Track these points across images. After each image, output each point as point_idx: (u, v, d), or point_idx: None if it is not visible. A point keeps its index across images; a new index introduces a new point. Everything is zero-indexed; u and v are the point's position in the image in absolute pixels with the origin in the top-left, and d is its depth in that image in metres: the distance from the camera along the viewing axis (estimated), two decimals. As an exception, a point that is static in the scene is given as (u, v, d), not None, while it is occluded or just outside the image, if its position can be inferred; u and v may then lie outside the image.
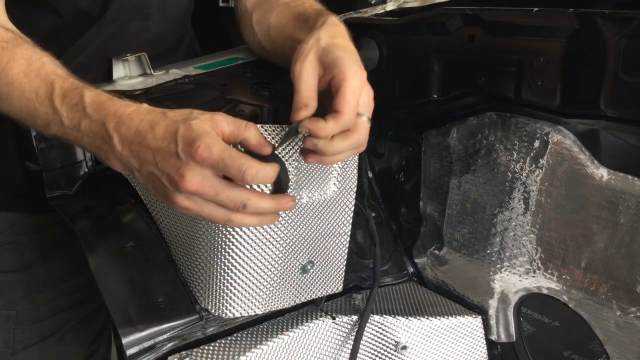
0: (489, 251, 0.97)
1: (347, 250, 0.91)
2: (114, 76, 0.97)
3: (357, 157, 0.86)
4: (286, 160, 0.78)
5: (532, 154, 0.89)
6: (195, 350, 0.84)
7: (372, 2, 1.32)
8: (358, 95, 0.72)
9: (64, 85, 0.73)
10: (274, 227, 0.80)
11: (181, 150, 0.64)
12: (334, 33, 0.78)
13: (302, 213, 0.83)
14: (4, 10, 0.84)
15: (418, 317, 0.98)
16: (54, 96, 0.73)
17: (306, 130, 0.71)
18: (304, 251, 0.85)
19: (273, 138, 0.77)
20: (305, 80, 0.73)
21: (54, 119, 0.73)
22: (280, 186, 0.73)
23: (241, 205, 0.67)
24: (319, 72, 0.74)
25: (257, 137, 0.69)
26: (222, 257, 0.80)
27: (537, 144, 0.88)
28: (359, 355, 0.93)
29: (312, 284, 0.88)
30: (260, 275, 0.82)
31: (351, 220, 0.89)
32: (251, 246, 0.80)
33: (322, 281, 0.89)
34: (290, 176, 0.80)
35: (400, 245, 1.14)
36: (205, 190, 0.65)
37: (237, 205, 0.67)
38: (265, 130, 0.77)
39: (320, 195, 0.84)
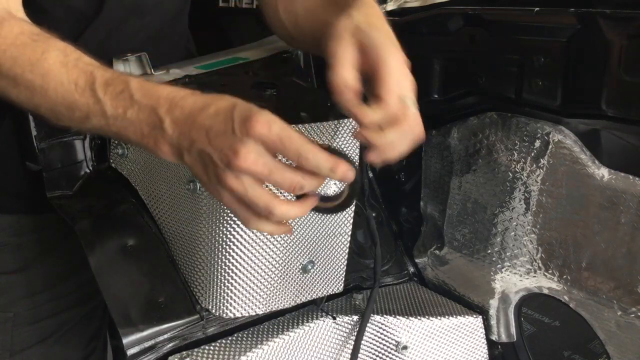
0: (489, 251, 0.97)
1: (347, 250, 0.91)
2: (115, 76, 0.96)
3: (357, 157, 0.86)
4: (287, 162, 0.78)
5: (532, 154, 0.89)
6: (195, 350, 0.84)
7: (373, 2, 1.32)
8: (399, 79, 0.68)
9: (105, 75, 0.71)
10: (275, 227, 0.80)
11: (237, 125, 0.61)
12: (368, 13, 0.73)
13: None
14: (21, 5, 0.82)
15: (419, 317, 0.98)
16: (96, 86, 0.70)
17: (348, 114, 0.66)
18: (304, 251, 0.85)
19: None
20: (341, 56, 0.67)
21: (95, 110, 0.70)
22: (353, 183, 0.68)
23: (298, 186, 0.63)
24: (356, 55, 0.69)
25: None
26: (223, 257, 0.80)
27: (538, 143, 0.88)
28: (359, 355, 0.93)
29: (312, 284, 0.88)
30: (261, 275, 0.82)
31: (352, 220, 0.89)
32: (252, 246, 0.80)
33: (323, 281, 0.89)
34: (291, 176, 0.80)
35: (400, 245, 1.14)
36: (258, 168, 0.62)
37: (292, 186, 0.64)
38: None
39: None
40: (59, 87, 0.72)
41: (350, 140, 0.84)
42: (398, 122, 0.67)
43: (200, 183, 0.68)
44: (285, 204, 0.65)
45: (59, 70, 0.72)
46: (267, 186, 0.66)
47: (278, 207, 0.64)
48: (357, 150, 0.86)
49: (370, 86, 0.68)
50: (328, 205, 0.71)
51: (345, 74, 0.66)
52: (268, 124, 0.61)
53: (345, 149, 0.84)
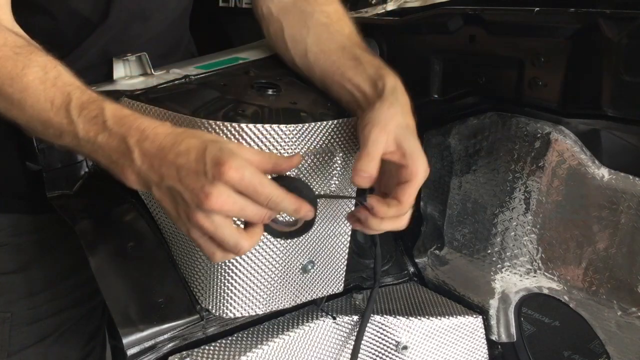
0: (489, 251, 0.97)
1: (347, 250, 0.91)
2: (115, 76, 0.96)
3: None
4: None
5: (533, 154, 0.89)
6: (195, 350, 0.84)
7: (373, 2, 1.32)
8: (418, 189, 0.75)
9: (82, 97, 0.72)
10: (275, 227, 0.80)
11: (209, 168, 0.64)
12: (406, 110, 0.79)
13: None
14: (10, 12, 0.83)
15: (419, 317, 0.98)
16: (71, 107, 0.72)
17: (370, 206, 0.74)
18: (304, 251, 0.85)
19: (291, 139, 0.77)
20: (378, 149, 0.73)
21: (68, 130, 0.72)
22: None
23: (267, 217, 0.68)
24: (391, 148, 0.75)
25: (287, 160, 0.70)
26: (223, 257, 0.79)
27: (538, 144, 0.88)
28: (359, 355, 0.93)
29: (312, 284, 0.88)
30: (261, 275, 0.82)
31: (352, 220, 0.89)
32: (252, 246, 0.80)
33: (323, 281, 0.89)
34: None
35: (400, 245, 1.14)
36: (229, 207, 0.65)
37: (261, 218, 0.68)
38: (281, 131, 0.77)
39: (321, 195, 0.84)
40: (36, 104, 0.73)
41: (349, 141, 0.84)
42: (397, 219, 0.76)
43: (168, 216, 0.70)
44: (249, 238, 0.68)
45: (37, 87, 0.73)
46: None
47: (246, 243, 0.67)
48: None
49: (388, 177, 0.77)
50: (286, 230, 0.76)
51: (372, 167, 0.73)
52: (240, 169, 0.64)
53: (344, 149, 0.84)
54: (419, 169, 0.74)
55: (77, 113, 0.71)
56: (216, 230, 0.66)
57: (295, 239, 0.80)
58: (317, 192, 0.83)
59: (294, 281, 0.86)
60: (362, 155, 0.73)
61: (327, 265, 0.89)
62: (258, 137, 0.76)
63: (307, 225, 0.75)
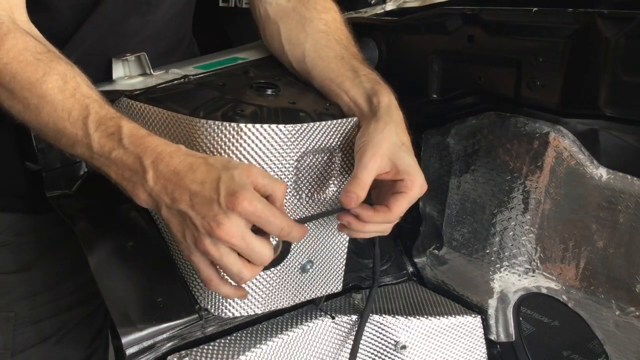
0: (488, 251, 0.98)
1: (346, 249, 0.91)
2: (114, 76, 0.97)
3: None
4: (286, 162, 0.79)
5: (531, 154, 0.89)
6: (194, 349, 0.84)
7: (372, 2, 1.32)
8: (411, 203, 0.78)
9: (100, 112, 0.74)
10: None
11: (223, 198, 0.66)
12: (401, 127, 0.81)
13: (301, 213, 0.83)
14: (25, 12, 0.83)
15: (417, 317, 0.98)
16: (89, 121, 0.73)
17: (355, 213, 0.76)
18: (303, 251, 0.85)
19: (289, 139, 0.77)
20: (369, 173, 0.76)
21: (82, 142, 0.73)
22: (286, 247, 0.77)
23: (266, 256, 0.70)
24: (385, 168, 0.77)
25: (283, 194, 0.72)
26: (222, 257, 0.79)
27: (536, 143, 0.88)
28: (358, 354, 0.93)
29: (311, 284, 0.88)
30: (260, 275, 0.82)
31: (351, 220, 0.89)
32: (251, 246, 0.80)
33: (322, 281, 0.89)
34: (290, 176, 0.80)
35: (399, 245, 1.14)
36: (237, 241, 0.67)
37: (262, 259, 0.69)
38: (280, 131, 0.77)
39: (320, 194, 0.84)
40: (52, 112, 0.74)
41: (348, 140, 0.84)
42: (382, 225, 0.79)
43: (173, 238, 0.72)
44: (250, 268, 0.70)
45: (56, 96, 0.74)
46: None
47: (248, 272, 0.70)
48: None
49: (384, 188, 0.80)
50: None
51: (360, 190, 0.75)
52: (253, 202, 0.66)
53: (343, 149, 0.84)
54: (415, 183, 0.77)
55: (95, 127, 0.73)
56: (222, 257, 0.68)
57: (273, 268, 0.82)
58: (313, 190, 0.84)
59: (293, 281, 0.86)
60: (353, 179, 0.76)
61: (326, 265, 0.89)
62: (257, 137, 0.76)
63: (282, 257, 0.77)
